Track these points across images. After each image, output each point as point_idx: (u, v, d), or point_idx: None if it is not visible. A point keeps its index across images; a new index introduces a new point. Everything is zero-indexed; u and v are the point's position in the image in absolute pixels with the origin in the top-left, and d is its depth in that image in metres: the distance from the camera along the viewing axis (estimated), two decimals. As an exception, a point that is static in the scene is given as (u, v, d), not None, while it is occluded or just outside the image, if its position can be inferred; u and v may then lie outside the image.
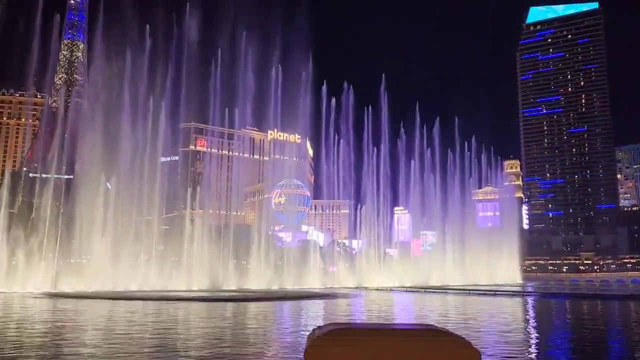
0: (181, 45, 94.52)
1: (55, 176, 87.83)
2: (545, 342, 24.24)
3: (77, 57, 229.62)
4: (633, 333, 28.02)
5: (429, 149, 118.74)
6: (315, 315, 38.75)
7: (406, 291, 78.03)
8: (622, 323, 34.47)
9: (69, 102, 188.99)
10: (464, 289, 74.61)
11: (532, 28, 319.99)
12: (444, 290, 74.17)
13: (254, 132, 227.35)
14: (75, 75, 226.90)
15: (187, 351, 19.61)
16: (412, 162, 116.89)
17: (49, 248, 72.87)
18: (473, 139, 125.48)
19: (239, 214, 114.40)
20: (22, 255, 69.61)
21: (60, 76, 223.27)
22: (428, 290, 76.33)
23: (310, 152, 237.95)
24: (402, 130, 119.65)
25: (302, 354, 4.26)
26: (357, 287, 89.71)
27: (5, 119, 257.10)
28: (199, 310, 40.83)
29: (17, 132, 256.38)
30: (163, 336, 24.01)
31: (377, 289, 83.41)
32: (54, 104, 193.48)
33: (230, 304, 47.84)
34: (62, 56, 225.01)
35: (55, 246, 72.90)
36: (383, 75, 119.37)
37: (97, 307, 43.47)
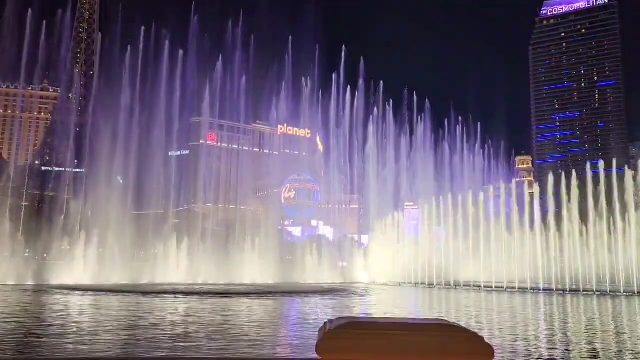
0: (191, 38, 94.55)
1: (68, 169, 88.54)
2: (546, 339, 24.08)
3: (89, 51, 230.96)
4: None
5: (438, 143, 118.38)
6: (327, 309, 38.83)
7: (415, 286, 78.34)
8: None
9: (80, 96, 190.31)
10: (473, 285, 74.89)
11: (545, 22, 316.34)
12: (454, 287, 74.45)
13: (264, 126, 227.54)
14: (86, 69, 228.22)
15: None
16: (422, 157, 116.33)
17: (62, 241, 73.40)
18: (478, 132, 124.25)
19: (248, 208, 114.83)
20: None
21: (71, 69, 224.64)
22: (437, 286, 76.46)
23: (321, 146, 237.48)
24: (413, 124, 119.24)
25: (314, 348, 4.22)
26: (366, 282, 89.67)
27: (17, 112, 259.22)
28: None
29: (30, 126, 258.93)
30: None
31: (387, 284, 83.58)
32: (65, 97, 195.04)
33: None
34: (74, 50, 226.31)
35: (67, 239, 73.39)
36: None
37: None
